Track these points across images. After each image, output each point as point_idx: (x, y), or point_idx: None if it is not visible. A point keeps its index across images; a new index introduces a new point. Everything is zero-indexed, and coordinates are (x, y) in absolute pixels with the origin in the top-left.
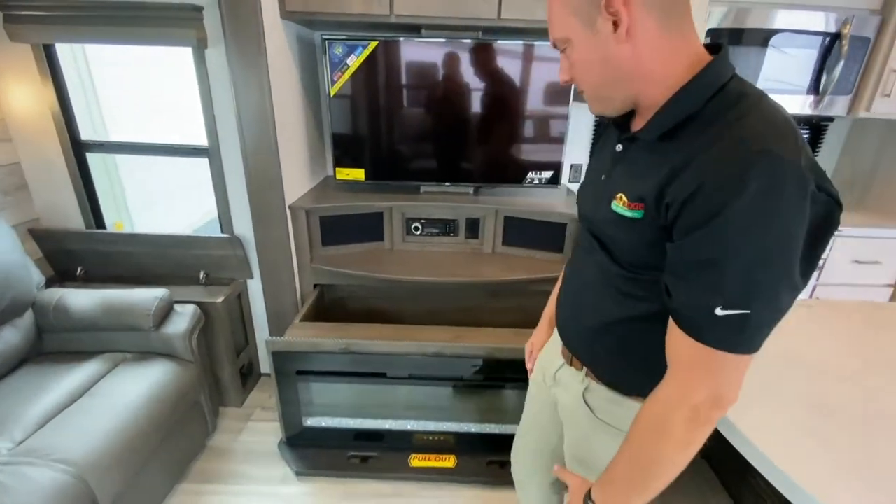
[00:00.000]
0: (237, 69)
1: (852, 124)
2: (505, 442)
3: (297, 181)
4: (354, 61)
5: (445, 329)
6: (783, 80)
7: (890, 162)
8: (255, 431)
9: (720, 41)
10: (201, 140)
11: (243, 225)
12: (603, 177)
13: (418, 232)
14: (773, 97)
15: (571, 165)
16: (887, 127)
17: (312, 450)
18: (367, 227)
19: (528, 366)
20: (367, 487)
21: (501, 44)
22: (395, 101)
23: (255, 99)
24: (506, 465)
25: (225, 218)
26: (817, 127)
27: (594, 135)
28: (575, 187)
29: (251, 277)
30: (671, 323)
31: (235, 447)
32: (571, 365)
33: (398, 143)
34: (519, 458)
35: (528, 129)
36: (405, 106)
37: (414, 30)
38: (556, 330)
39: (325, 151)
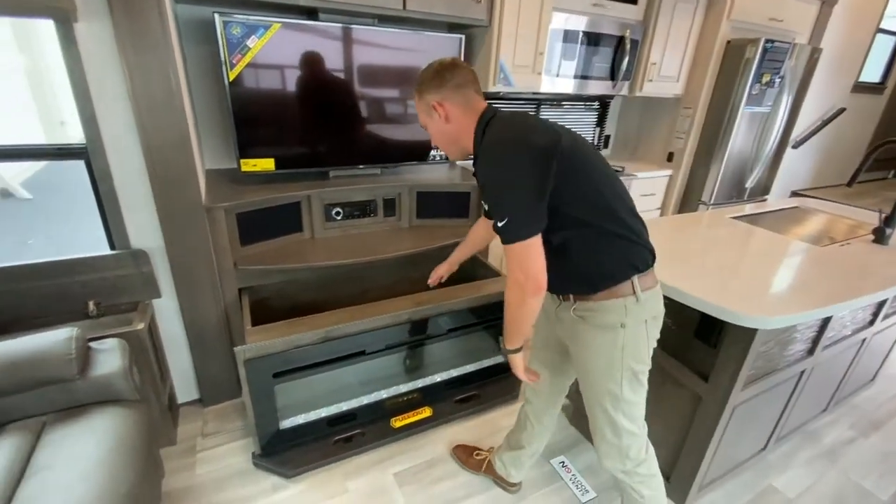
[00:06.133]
0: (131, 48)
1: (623, 101)
2: (465, 380)
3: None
4: (256, 43)
5: (402, 299)
6: (592, 71)
7: (648, 127)
8: (210, 460)
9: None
10: (63, 137)
11: (144, 236)
12: None
13: (339, 217)
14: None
15: None
16: (644, 102)
17: (293, 450)
18: (285, 220)
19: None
20: (362, 461)
21: (402, 31)
22: (300, 85)
23: (159, 83)
24: (469, 398)
25: (117, 230)
26: (605, 104)
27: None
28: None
29: (158, 296)
30: None
31: (198, 482)
32: (565, 301)
33: (306, 129)
34: (533, 363)
35: None
36: (310, 90)
37: (308, 12)
38: None
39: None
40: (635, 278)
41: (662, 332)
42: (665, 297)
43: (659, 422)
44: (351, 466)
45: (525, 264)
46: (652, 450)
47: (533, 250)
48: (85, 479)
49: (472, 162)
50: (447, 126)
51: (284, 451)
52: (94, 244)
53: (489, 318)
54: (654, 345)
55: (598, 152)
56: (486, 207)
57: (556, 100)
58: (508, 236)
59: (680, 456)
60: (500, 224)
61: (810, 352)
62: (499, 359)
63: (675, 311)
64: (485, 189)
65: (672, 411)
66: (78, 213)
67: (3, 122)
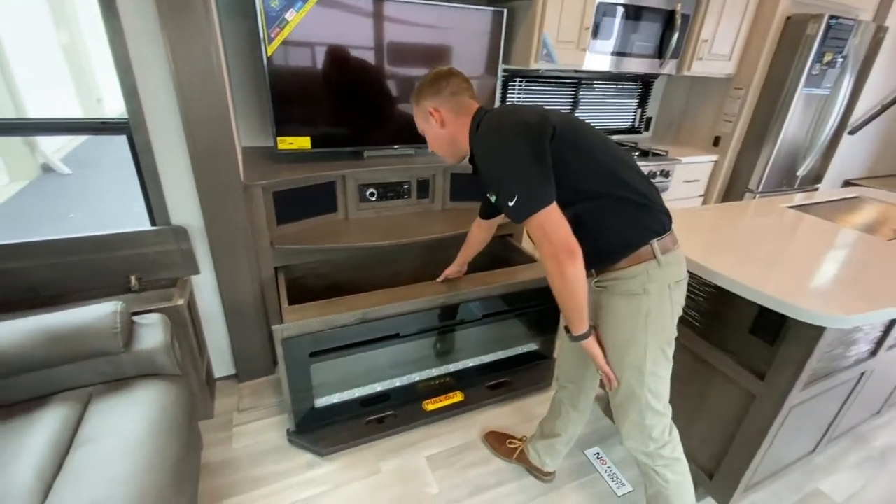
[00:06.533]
0: (172, 22)
1: (667, 81)
2: (497, 366)
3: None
4: (295, 16)
5: (436, 283)
6: (637, 48)
7: (694, 109)
8: (246, 435)
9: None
10: (100, 114)
11: (183, 212)
12: None
13: (373, 198)
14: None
15: None
16: (690, 82)
17: (327, 429)
18: (320, 199)
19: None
20: (394, 443)
21: (442, 5)
22: (337, 61)
23: (200, 58)
24: (502, 385)
25: (158, 206)
26: (647, 84)
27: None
28: None
29: (197, 273)
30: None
31: (235, 456)
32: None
33: (342, 107)
34: (565, 346)
35: None
36: (348, 67)
37: None
38: None
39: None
40: (654, 242)
41: (710, 327)
42: (714, 288)
43: (704, 419)
44: (383, 447)
45: (549, 233)
46: (676, 433)
47: (552, 217)
48: (133, 451)
49: (470, 159)
50: (442, 131)
51: (318, 429)
52: (131, 219)
53: (523, 304)
54: (679, 311)
55: (598, 131)
56: (494, 198)
57: (595, 79)
58: (522, 213)
59: (726, 455)
60: (510, 205)
61: (873, 353)
62: (532, 346)
63: (727, 304)
64: (487, 177)
65: (719, 409)
66: (115, 189)
67: (45, 98)
